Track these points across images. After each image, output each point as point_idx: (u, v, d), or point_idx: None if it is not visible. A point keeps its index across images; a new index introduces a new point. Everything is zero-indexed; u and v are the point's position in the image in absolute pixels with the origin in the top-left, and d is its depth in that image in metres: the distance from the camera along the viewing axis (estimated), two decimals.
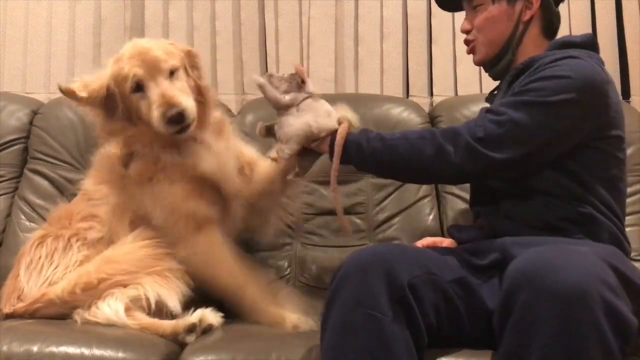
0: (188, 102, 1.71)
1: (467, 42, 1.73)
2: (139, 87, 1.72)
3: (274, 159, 1.65)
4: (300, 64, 1.66)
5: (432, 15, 2.64)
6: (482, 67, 1.78)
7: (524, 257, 1.27)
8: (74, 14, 2.72)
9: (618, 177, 1.59)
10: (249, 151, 1.98)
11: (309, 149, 1.61)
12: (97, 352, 1.50)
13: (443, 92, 2.63)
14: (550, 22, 1.69)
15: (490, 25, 1.67)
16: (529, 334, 1.19)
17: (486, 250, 1.52)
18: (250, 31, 2.69)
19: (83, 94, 1.75)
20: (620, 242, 1.54)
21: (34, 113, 2.41)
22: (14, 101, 2.44)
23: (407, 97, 2.64)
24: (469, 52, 1.74)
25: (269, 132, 1.69)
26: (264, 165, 1.91)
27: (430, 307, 1.35)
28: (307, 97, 1.61)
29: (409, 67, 2.67)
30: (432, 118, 2.39)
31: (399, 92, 2.64)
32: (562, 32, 1.75)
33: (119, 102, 1.75)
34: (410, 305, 1.31)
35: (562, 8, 2.53)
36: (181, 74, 1.77)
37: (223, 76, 2.68)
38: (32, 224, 2.19)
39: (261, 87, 1.62)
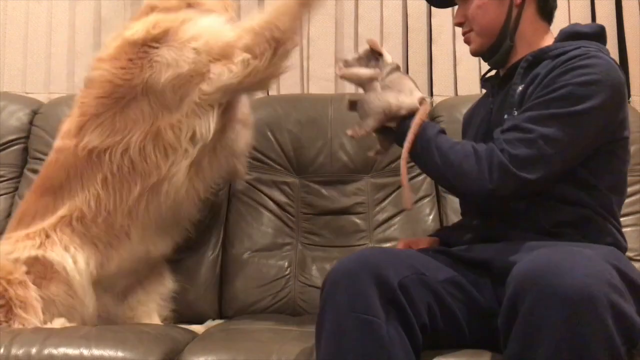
0: None
1: (463, 34, 1.68)
2: None
3: (352, 135, 1.59)
4: (371, 38, 1.63)
5: (432, 15, 2.64)
6: (480, 58, 1.72)
7: (528, 259, 1.23)
8: (74, 14, 2.72)
9: (622, 178, 1.56)
10: None
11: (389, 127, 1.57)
12: (96, 352, 1.50)
13: (443, 92, 2.63)
14: (546, 2, 1.63)
15: (482, 14, 1.61)
16: (535, 338, 1.16)
17: (476, 252, 1.51)
18: None
19: None
20: (618, 240, 1.52)
21: (34, 113, 2.40)
22: (14, 101, 2.44)
23: None
24: (466, 43, 1.69)
25: (353, 106, 1.64)
26: None
27: (422, 306, 1.33)
28: (392, 71, 1.58)
29: (409, 67, 2.67)
30: (432, 118, 2.38)
31: None
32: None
33: None
34: (402, 306, 1.29)
35: (562, 8, 2.58)
36: None
37: None
38: None
39: (341, 74, 1.61)
